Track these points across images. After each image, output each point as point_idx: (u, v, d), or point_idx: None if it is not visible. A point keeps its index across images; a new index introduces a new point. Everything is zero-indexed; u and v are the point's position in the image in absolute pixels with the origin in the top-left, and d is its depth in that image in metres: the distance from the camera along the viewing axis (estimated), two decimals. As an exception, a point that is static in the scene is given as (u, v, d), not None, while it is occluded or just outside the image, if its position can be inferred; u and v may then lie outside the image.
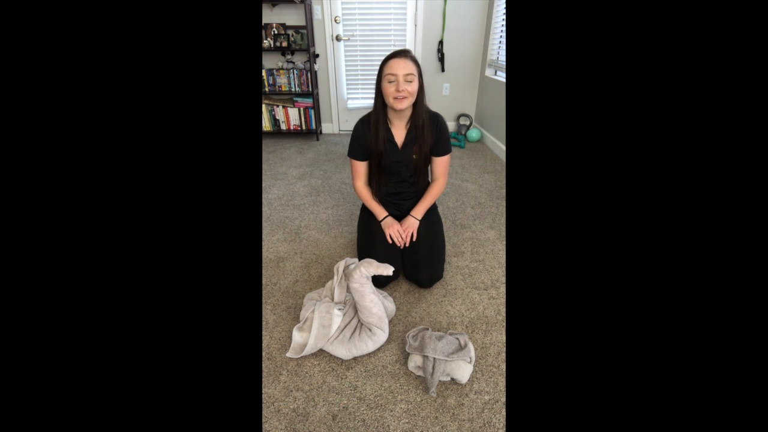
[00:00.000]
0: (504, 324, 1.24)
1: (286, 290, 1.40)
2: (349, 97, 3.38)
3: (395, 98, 1.22)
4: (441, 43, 3.14)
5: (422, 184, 1.47)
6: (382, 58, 1.26)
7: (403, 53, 1.21)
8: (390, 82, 1.21)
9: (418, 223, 1.40)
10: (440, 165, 1.42)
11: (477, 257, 1.60)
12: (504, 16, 2.75)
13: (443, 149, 1.39)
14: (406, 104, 1.23)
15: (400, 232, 1.37)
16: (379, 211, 1.43)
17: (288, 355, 1.10)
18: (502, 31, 2.82)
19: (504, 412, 0.96)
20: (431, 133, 1.34)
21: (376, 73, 1.26)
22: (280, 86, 3.10)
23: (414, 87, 1.22)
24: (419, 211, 1.42)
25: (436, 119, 1.35)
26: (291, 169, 2.60)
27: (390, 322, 1.24)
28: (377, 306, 1.10)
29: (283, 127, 3.27)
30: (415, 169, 1.40)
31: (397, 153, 1.37)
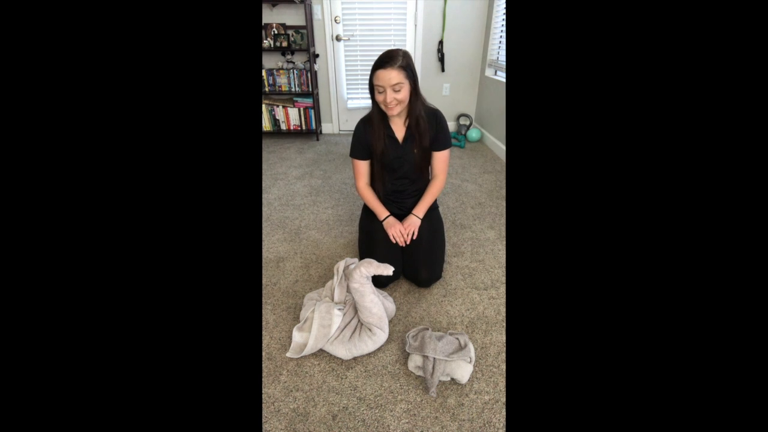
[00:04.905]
0: (504, 324, 1.24)
1: (286, 290, 1.40)
2: (349, 97, 3.38)
3: (386, 107, 1.24)
4: (441, 43, 3.14)
5: (423, 182, 1.48)
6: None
7: (389, 61, 1.17)
8: (380, 92, 1.22)
9: (419, 221, 1.40)
10: (440, 160, 1.42)
11: (477, 257, 1.60)
12: (504, 16, 2.75)
13: (443, 144, 1.39)
14: (398, 110, 1.26)
15: (402, 231, 1.37)
16: (381, 211, 1.43)
17: (288, 355, 1.10)
18: (502, 31, 2.82)
19: (504, 412, 0.96)
20: (429, 128, 1.34)
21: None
22: (280, 86, 3.10)
23: (403, 94, 1.22)
24: (421, 209, 1.42)
25: (435, 114, 1.36)
26: (291, 169, 2.60)
27: (390, 322, 1.24)
28: (377, 306, 1.10)
29: (283, 127, 3.27)
30: (415, 164, 1.40)
31: (398, 148, 1.38)
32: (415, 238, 1.38)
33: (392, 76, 1.17)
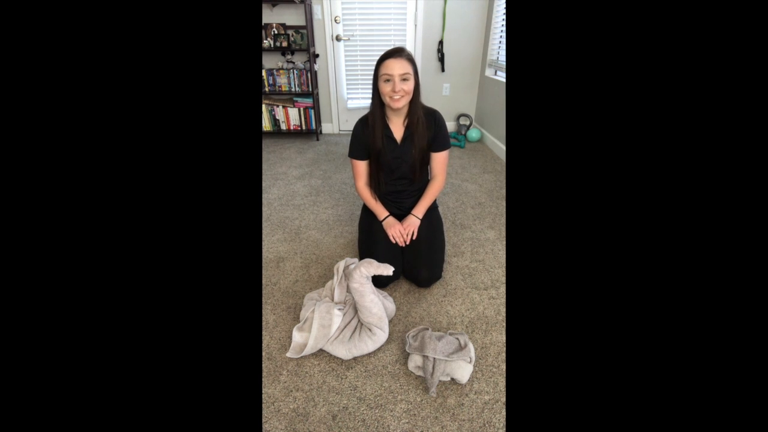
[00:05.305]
0: (504, 324, 1.24)
1: (286, 290, 1.40)
2: (349, 97, 3.38)
3: (392, 98, 1.23)
4: (441, 43, 3.14)
5: (422, 182, 1.47)
6: (382, 58, 1.25)
7: (398, 52, 1.21)
8: (386, 81, 1.22)
9: (419, 222, 1.40)
10: (439, 161, 1.43)
11: (477, 257, 1.60)
12: (504, 16, 2.75)
13: (441, 144, 1.40)
14: (403, 102, 1.26)
15: (401, 231, 1.37)
16: (381, 211, 1.43)
17: (288, 355, 1.10)
18: (502, 31, 2.82)
19: (504, 412, 0.96)
20: (427, 129, 1.35)
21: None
22: (280, 86, 3.10)
23: (410, 86, 1.23)
24: (420, 209, 1.42)
25: (434, 115, 1.36)
26: (291, 169, 2.60)
27: (390, 322, 1.24)
28: (377, 306, 1.10)
29: (283, 127, 3.27)
30: (414, 165, 1.40)
31: (396, 149, 1.38)
32: (414, 238, 1.38)
33: (402, 65, 1.20)
